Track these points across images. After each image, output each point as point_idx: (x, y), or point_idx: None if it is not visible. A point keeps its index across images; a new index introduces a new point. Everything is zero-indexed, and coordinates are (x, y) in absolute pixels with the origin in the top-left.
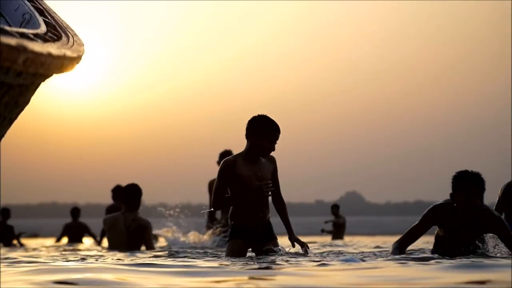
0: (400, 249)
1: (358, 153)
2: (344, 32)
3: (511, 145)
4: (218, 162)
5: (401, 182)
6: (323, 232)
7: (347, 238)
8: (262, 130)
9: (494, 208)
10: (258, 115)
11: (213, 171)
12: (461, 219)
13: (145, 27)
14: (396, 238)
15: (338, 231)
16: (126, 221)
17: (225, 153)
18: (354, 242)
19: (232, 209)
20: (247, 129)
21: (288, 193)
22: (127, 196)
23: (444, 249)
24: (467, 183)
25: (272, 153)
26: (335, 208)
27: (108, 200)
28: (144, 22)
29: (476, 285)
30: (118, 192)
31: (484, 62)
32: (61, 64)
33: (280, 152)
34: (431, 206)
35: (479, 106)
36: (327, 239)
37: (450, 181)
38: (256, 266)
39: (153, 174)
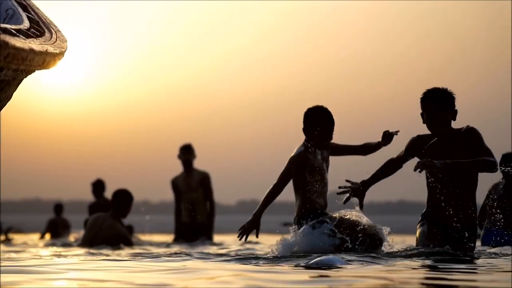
0: (390, 164)
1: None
2: (333, 31)
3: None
4: (179, 156)
5: (384, 182)
6: (286, 225)
7: None
8: (321, 123)
9: (479, 209)
10: (313, 107)
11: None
12: (439, 143)
13: (131, 26)
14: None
15: None
16: (103, 224)
17: (185, 147)
18: None
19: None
20: (306, 123)
21: None
22: (114, 202)
23: (436, 201)
24: (425, 103)
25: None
26: None
27: (91, 196)
28: (131, 21)
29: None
30: (99, 187)
31: (477, 60)
32: (43, 60)
33: (267, 149)
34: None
35: (470, 105)
36: None
37: None
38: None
39: (137, 171)
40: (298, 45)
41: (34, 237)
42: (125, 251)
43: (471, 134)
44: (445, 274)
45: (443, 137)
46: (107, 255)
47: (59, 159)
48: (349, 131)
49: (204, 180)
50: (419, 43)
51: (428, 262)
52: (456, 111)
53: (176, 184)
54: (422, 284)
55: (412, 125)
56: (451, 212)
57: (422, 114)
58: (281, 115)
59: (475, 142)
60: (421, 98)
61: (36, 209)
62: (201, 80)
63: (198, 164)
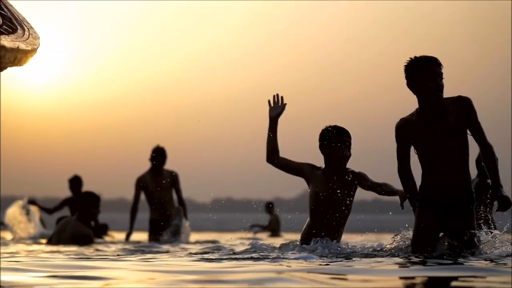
0: (406, 177)
1: (317, 151)
2: (310, 29)
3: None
4: (150, 159)
5: None
6: (252, 228)
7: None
8: (326, 141)
9: None
10: (324, 128)
11: (172, 166)
12: (429, 114)
13: (105, 21)
14: (355, 236)
15: (273, 229)
16: (67, 226)
17: (157, 149)
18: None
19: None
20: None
21: (246, 190)
22: (79, 204)
23: (427, 177)
24: (430, 66)
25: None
26: (269, 206)
27: (66, 193)
28: (104, 16)
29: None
30: (76, 183)
31: (461, 61)
32: (14, 57)
33: (242, 147)
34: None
35: None
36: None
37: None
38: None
39: (113, 169)
40: (272, 45)
41: (7, 236)
42: (87, 250)
43: (466, 105)
44: (434, 272)
45: (435, 105)
46: (75, 253)
47: (34, 156)
48: (319, 130)
49: (175, 180)
50: (399, 43)
51: (413, 260)
52: None
53: (144, 183)
54: (414, 283)
55: (384, 125)
56: (444, 186)
57: (417, 81)
58: (256, 113)
59: (471, 114)
60: (426, 61)
61: (9, 206)
62: (175, 77)
63: (175, 160)
